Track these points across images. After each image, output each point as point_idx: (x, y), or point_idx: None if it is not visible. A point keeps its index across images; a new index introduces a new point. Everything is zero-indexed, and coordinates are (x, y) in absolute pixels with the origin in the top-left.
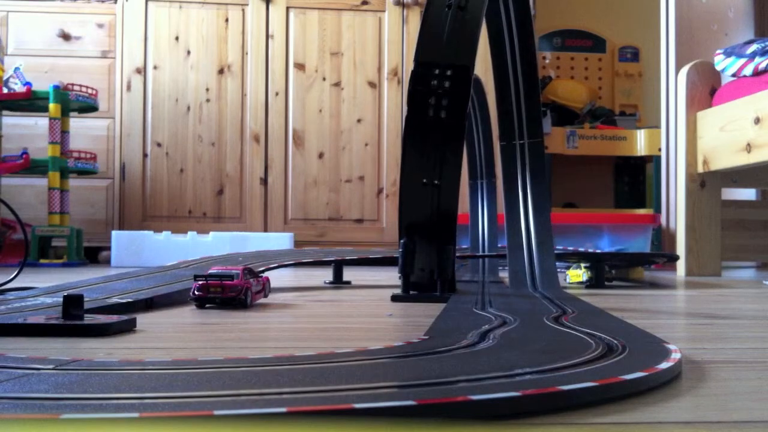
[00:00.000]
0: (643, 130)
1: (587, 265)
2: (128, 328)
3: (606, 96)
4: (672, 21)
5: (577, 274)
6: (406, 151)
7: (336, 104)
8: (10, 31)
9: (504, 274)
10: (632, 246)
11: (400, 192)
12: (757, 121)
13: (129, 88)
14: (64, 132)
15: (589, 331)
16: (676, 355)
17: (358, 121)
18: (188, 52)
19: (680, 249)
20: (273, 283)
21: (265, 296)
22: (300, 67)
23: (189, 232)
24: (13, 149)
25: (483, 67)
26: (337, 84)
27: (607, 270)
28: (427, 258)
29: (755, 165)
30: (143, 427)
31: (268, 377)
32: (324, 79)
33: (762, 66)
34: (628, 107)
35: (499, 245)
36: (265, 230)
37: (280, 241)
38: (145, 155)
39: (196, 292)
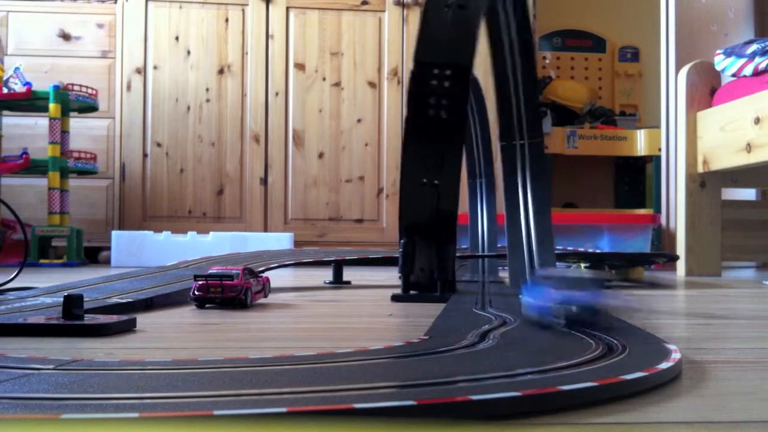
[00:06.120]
0: (643, 130)
1: (587, 265)
2: (128, 328)
3: (606, 96)
4: (672, 21)
5: None
6: (406, 151)
7: (336, 104)
8: (10, 31)
9: (504, 274)
10: (632, 246)
11: (400, 192)
12: (757, 121)
13: (129, 88)
14: (64, 132)
15: (589, 331)
16: (676, 355)
17: (358, 121)
18: (188, 52)
19: (680, 249)
20: (273, 283)
21: (265, 296)
22: (300, 67)
23: (189, 232)
24: (13, 149)
25: (483, 67)
26: (337, 84)
27: (607, 270)
28: (427, 258)
29: (755, 165)
30: (143, 427)
31: (268, 377)
32: (324, 79)
33: (762, 66)
34: (628, 107)
35: (499, 245)
36: (265, 230)
37: (280, 241)
38: (145, 155)
39: (196, 292)
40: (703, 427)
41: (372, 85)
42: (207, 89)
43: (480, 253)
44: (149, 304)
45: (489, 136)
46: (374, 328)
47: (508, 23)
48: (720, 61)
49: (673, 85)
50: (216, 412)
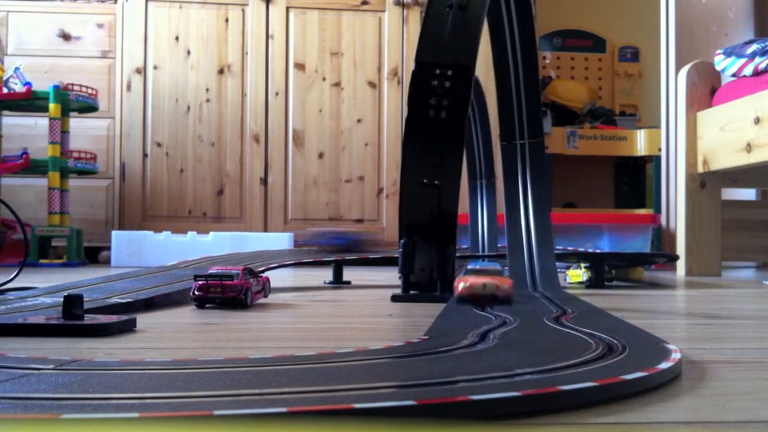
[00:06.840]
0: (643, 130)
1: (587, 265)
2: (128, 328)
3: (606, 96)
4: (672, 21)
5: (577, 274)
6: (406, 151)
7: (336, 104)
8: (10, 31)
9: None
10: (632, 246)
11: (401, 192)
12: (757, 121)
13: (129, 88)
14: (64, 132)
15: (589, 331)
16: (676, 355)
17: (358, 121)
18: (188, 52)
19: (680, 249)
20: (273, 283)
21: (265, 296)
22: (300, 67)
23: (189, 232)
24: (13, 149)
25: (484, 67)
26: (337, 84)
27: (607, 270)
28: (427, 258)
29: (755, 165)
30: (143, 427)
31: (268, 377)
32: (324, 79)
33: (762, 66)
34: (628, 107)
35: (499, 245)
36: (265, 230)
37: (280, 241)
38: (145, 155)
39: (196, 292)
40: (703, 427)
41: (372, 85)
42: (207, 89)
43: (480, 253)
44: (149, 304)
45: (490, 137)
46: (374, 328)
47: (511, 23)
48: (720, 61)
49: (673, 85)
50: (216, 412)
